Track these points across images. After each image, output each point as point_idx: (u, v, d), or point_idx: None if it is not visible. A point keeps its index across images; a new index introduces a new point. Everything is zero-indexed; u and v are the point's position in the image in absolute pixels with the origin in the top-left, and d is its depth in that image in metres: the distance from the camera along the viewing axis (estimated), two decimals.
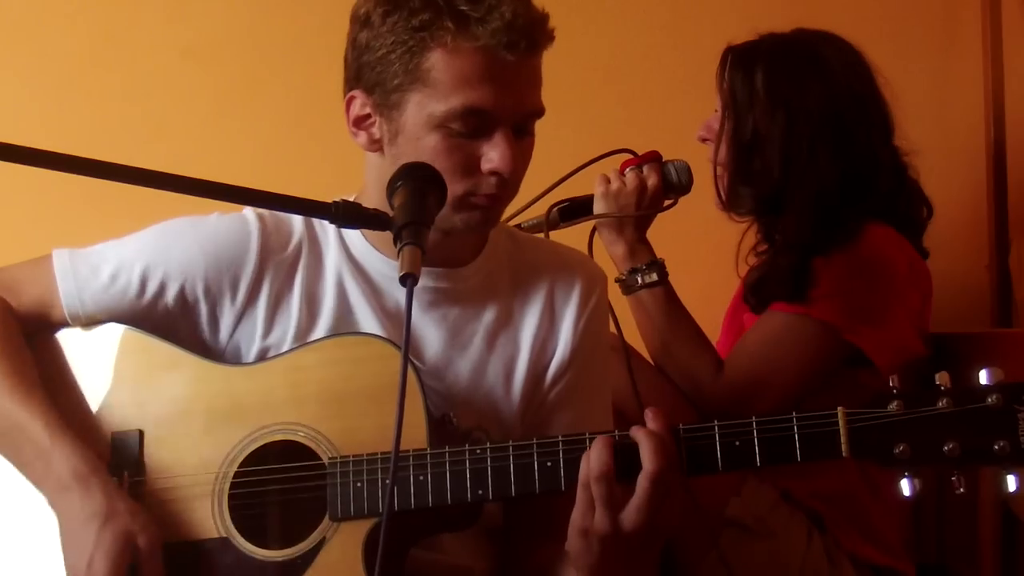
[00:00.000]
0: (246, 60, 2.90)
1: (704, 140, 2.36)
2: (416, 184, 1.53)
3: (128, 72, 2.88)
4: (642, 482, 1.46)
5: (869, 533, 2.20)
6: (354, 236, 1.74)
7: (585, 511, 1.49)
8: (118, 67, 2.88)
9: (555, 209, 2.30)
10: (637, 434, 1.49)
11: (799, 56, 2.27)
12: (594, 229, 2.29)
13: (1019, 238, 2.84)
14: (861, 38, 2.32)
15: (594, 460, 1.48)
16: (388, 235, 1.59)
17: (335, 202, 1.53)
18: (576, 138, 2.55)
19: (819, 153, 2.20)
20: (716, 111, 2.32)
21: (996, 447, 1.41)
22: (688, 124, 2.42)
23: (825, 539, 2.16)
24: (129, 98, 2.87)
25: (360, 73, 1.64)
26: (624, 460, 1.48)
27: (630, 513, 1.47)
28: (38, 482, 1.63)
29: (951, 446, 1.42)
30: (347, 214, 1.53)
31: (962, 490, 1.43)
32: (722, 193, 2.32)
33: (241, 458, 1.64)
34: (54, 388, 1.68)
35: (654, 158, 2.29)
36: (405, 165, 1.56)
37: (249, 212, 1.73)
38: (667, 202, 2.29)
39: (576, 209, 2.31)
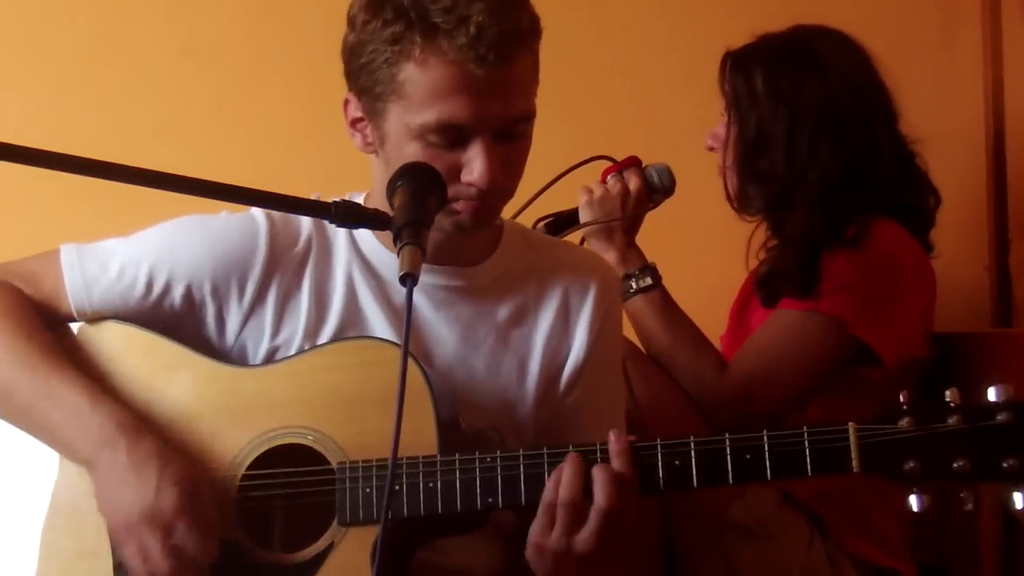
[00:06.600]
0: (246, 60, 2.90)
1: (712, 149, 2.37)
2: (416, 184, 1.53)
3: (128, 72, 2.88)
4: (593, 515, 1.49)
5: (870, 532, 2.20)
6: (364, 233, 1.73)
7: (543, 528, 1.51)
8: (118, 66, 2.88)
9: (541, 224, 2.31)
10: (593, 470, 1.50)
11: (795, 53, 2.28)
12: (582, 241, 2.29)
13: (1019, 238, 2.83)
14: (860, 34, 2.32)
15: (565, 486, 1.50)
16: None
17: (335, 202, 1.53)
18: (561, 146, 2.54)
19: (821, 148, 2.21)
20: (722, 117, 2.33)
21: (1005, 465, 1.41)
22: (680, 129, 2.43)
23: (827, 542, 2.16)
24: (129, 98, 2.87)
25: (352, 76, 1.64)
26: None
27: (584, 538, 1.50)
28: (72, 441, 1.60)
29: (961, 463, 1.42)
30: (347, 214, 1.53)
31: (970, 507, 1.42)
32: (732, 195, 2.33)
33: (248, 461, 1.63)
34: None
35: (633, 163, 2.31)
36: (405, 165, 1.56)
37: (257, 211, 1.72)
38: (649, 205, 2.30)
39: (562, 223, 2.32)
